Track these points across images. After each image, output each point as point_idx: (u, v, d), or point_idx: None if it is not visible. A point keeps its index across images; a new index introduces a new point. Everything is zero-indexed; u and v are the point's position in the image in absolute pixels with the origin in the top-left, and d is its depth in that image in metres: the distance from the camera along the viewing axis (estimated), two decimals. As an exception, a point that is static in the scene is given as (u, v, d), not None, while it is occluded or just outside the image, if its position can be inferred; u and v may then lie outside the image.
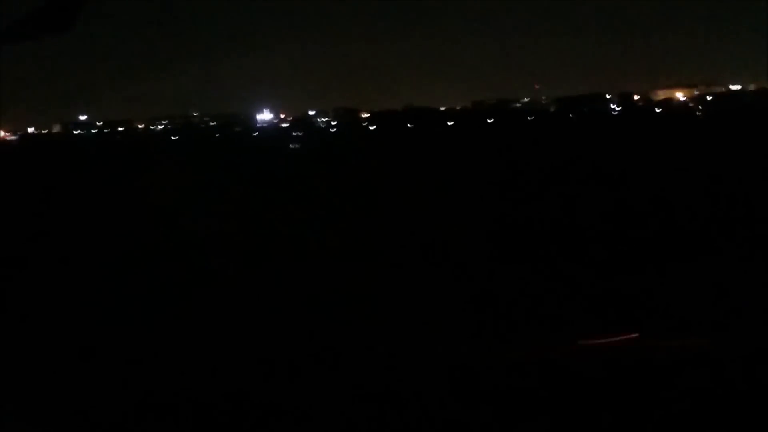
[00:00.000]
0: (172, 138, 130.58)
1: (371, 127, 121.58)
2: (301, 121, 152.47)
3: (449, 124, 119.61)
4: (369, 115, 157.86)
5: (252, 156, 64.64)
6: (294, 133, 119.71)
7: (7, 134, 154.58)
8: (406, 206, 24.40)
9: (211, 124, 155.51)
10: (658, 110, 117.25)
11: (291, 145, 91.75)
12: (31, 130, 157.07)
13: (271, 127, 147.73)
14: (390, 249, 17.43)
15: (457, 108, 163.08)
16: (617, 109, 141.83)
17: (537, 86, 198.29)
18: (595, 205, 21.68)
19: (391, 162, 46.22)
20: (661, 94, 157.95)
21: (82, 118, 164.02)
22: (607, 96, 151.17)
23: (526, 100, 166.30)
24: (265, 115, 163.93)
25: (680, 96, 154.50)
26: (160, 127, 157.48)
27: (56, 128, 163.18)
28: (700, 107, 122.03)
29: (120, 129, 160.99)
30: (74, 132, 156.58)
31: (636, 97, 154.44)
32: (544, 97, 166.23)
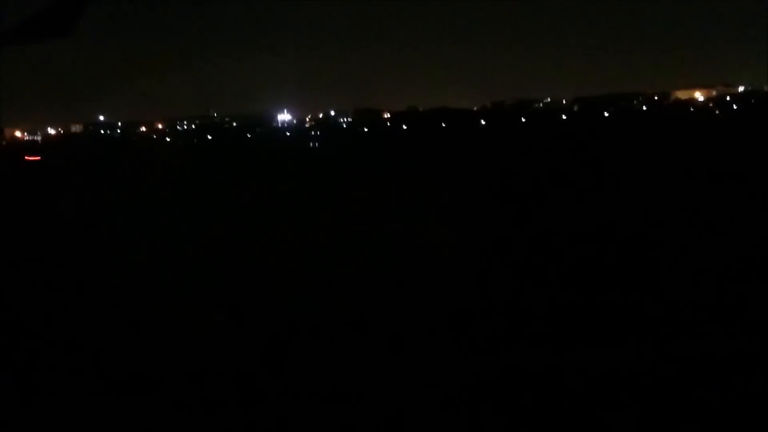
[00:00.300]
0: (208, 137, 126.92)
1: (403, 127, 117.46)
2: (323, 122, 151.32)
3: (479, 123, 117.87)
4: (390, 115, 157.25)
5: (283, 156, 64.31)
6: (314, 132, 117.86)
7: (24, 135, 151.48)
8: (427, 208, 23.45)
9: (234, 124, 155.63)
10: (680, 110, 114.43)
11: (311, 144, 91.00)
12: (50, 131, 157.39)
13: (293, 127, 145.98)
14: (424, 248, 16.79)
15: (475, 108, 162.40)
16: (644, 108, 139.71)
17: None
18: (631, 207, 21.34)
19: (417, 162, 45.83)
20: (681, 95, 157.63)
21: (101, 118, 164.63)
22: (629, 96, 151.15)
23: (548, 100, 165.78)
24: (285, 116, 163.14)
25: (699, 96, 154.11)
26: (180, 128, 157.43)
27: (74, 128, 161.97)
28: (720, 107, 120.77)
29: (142, 129, 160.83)
30: (101, 132, 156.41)
31: (656, 98, 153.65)
32: (564, 99, 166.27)
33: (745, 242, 15.08)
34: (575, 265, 13.97)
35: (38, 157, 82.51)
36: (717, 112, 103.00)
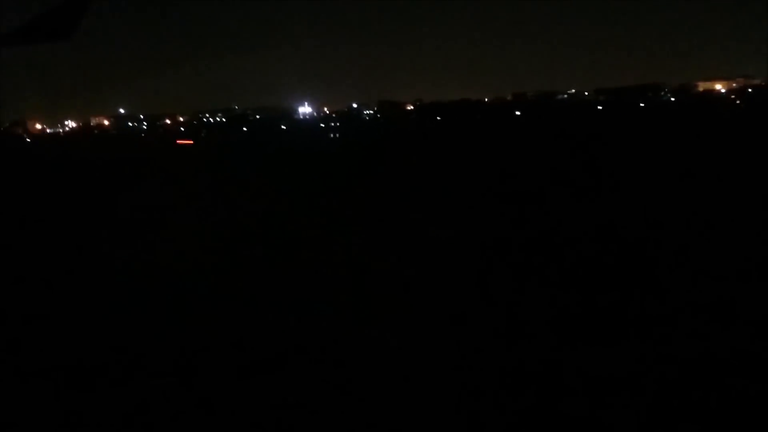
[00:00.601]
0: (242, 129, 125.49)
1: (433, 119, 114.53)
2: (346, 114, 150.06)
3: (515, 114, 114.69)
4: (413, 107, 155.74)
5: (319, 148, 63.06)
6: (334, 125, 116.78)
7: (46, 128, 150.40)
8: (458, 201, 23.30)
9: (257, 117, 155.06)
10: (708, 102, 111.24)
11: (331, 135, 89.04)
12: (71, 123, 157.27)
13: (314, 120, 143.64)
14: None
15: (495, 100, 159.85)
16: (672, 99, 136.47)
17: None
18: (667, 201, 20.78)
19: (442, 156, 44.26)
20: (702, 86, 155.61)
21: (121, 111, 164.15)
22: (654, 87, 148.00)
23: (572, 91, 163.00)
24: (306, 108, 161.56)
25: (720, 88, 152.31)
26: (208, 120, 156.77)
27: (94, 121, 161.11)
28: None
29: (166, 122, 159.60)
30: (129, 124, 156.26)
31: (681, 89, 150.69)
32: (586, 91, 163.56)
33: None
34: (601, 262, 13.84)
35: (190, 141, 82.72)
36: (739, 104, 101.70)
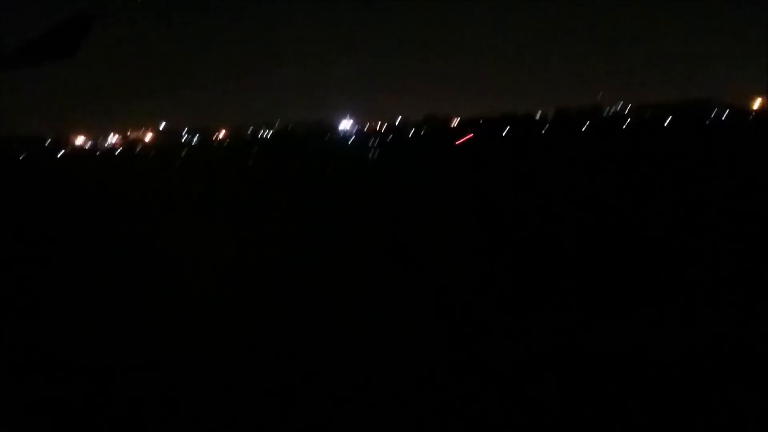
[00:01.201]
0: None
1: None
2: (392, 129, 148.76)
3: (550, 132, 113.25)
4: (459, 120, 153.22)
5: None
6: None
7: (88, 140, 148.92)
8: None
9: (308, 131, 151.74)
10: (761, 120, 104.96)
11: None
12: (113, 139, 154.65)
13: (359, 136, 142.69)
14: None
15: (537, 116, 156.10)
16: (729, 116, 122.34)
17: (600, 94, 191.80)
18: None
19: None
20: (757, 102, 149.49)
21: (162, 124, 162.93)
22: (704, 104, 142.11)
23: (621, 103, 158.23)
24: (347, 123, 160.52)
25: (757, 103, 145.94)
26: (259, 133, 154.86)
27: (133, 135, 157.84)
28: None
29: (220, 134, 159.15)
30: (183, 137, 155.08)
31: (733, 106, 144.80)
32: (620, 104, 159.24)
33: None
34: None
35: (471, 135, 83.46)
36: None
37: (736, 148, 51.71)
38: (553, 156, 59.03)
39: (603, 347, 9.91)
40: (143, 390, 9.24)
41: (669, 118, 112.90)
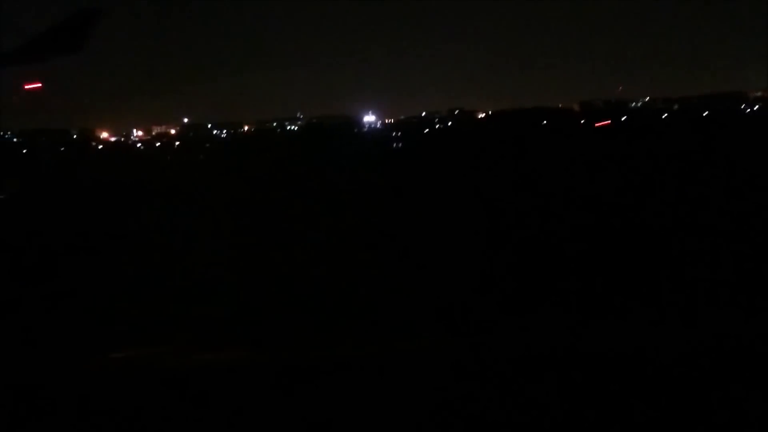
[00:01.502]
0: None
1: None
2: (418, 122, 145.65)
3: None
4: (485, 115, 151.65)
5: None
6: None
7: (112, 137, 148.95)
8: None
9: (333, 125, 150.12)
10: None
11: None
12: (138, 133, 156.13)
13: (384, 129, 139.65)
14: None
15: (560, 108, 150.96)
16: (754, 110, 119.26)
17: (620, 87, 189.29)
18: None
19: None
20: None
21: (185, 120, 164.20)
22: (734, 96, 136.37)
23: (646, 99, 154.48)
24: (371, 117, 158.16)
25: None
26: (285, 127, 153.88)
27: (155, 130, 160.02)
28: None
29: (245, 128, 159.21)
30: (214, 132, 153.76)
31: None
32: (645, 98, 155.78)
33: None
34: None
35: (608, 121, 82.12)
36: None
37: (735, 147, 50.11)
38: (556, 154, 58.81)
39: (603, 347, 9.85)
40: (144, 385, 9.26)
41: (705, 112, 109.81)
